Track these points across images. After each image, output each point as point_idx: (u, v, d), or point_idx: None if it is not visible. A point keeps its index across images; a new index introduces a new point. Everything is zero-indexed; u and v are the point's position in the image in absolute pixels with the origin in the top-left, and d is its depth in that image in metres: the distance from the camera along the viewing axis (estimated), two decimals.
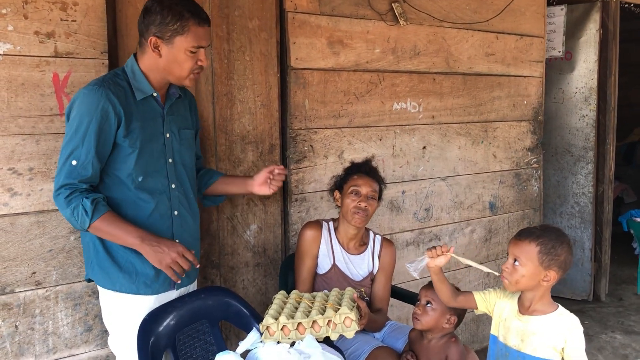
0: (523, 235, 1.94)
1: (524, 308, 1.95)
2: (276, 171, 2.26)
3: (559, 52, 4.28)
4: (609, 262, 4.76)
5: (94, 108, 1.84)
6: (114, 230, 1.87)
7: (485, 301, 2.06)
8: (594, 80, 4.46)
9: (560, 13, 4.25)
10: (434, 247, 2.05)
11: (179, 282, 2.01)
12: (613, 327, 4.14)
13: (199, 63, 1.95)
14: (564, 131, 4.63)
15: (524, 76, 3.76)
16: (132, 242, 1.88)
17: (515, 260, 1.91)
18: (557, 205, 4.73)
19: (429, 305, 2.17)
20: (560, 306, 1.95)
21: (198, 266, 2.02)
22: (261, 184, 2.27)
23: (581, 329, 1.91)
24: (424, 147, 3.31)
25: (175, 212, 2.06)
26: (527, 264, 1.88)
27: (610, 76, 4.50)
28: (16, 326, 2.12)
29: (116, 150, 1.91)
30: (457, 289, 2.17)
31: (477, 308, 2.08)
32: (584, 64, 4.49)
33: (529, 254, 1.89)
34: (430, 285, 2.22)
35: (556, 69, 4.58)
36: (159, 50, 1.93)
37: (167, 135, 2.04)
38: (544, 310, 1.92)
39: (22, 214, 2.10)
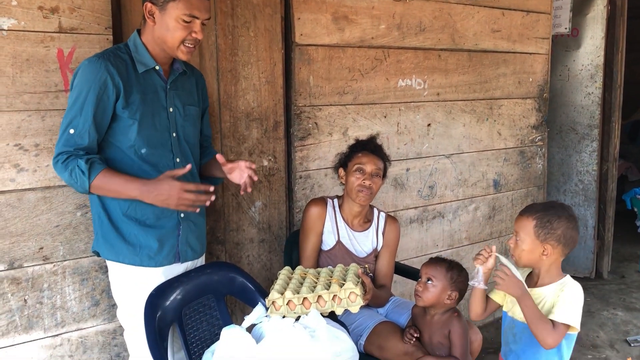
0: (524, 210, 1.99)
1: (532, 282, 1.98)
2: (243, 165, 2.06)
3: (566, 28, 4.23)
4: (612, 239, 4.78)
5: (92, 78, 1.86)
6: (113, 185, 1.87)
7: (499, 292, 2.08)
8: (601, 57, 4.42)
9: None
10: (479, 254, 1.99)
11: (198, 210, 1.98)
12: (615, 304, 4.17)
13: (193, 35, 1.93)
14: (569, 109, 4.61)
15: (530, 53, 3.73)
16: (133, 195, 1.89)
17: (517, 236, 1.95)
18: (561, 183, 4.73)
19: (429, 282, 2.19)
20: (567, 276, 1.97)
21: (212, 189, 1.93)
22: (233, 178, 2.10)
23: (576, 292, 1.92)
24: (429, 125, 3.30)
25: None
26: (525, 238, 1.93)
27: (617, 53, 4.46)
28: (25, 300, 2.15)
29: (117, 121, 1.93)
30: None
31: (501, 305, 2.09)
32: (590, 41, 4.45)
33: (526, 228, 1.93)
34: (430, 262, 2.24)
35: (562, 46, 4.54)
36: (153, 17, 1.93)
37: (171, 109, 2.04)
38: (549, 282, 1.95)
39: (28, 189, 2.12)
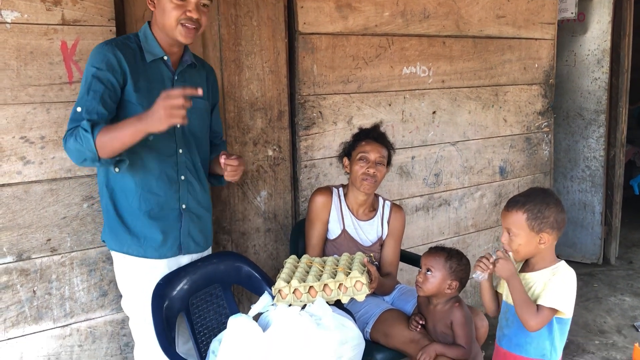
0: (510, 205, 1.95)
1: (528, 268, 1.98)
2: (222, 159, 2.06)
3: (572, 13, 4.20)
4: (620, 225, 4.76)
5: (99, 60, 1.88)
6: (117, 132, 1.78)
7: (502, 283, 2.08)
8: (607, 42, 4.38)
9: None
10: (481, 262, 1.96)
11: (187, 122, 1.78)
12: (622, 289, 4.16)
13: (188, 14, 1.91)
14: (576, 94, 4.58)
15: (535, 39, 3.70)
16: (138, 128, 1.76)
17: (509, 232, 1.93)
18: (568, 169, 4.71)
19: (429, 272, 2.19)
20: (562, 262, 1.97)
21: (200, 91, 1.78)
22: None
23: (567, 277, 1.92)
24: (434, 112, 3.29)
25: (182, 177, 2.07)
26: (519, 233, 1.91)
27: (624, 37, 4.42)
28: (34, 291, 2.17)
29: (127, 108, 1.92)
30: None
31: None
32: (597, 25, 4.40)
33: (518, 223, 1.91)
34: (430, 252, 2.24)
35: (568, 31, 4.50)
36: (154, 3, 1.95)
37: None
38: (543, 267, 1.95)
39: (35, 181, 2.13)
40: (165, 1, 1.91)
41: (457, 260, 2.21)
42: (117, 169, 1.94)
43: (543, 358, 1.94)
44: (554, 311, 1.88)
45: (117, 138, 1.79)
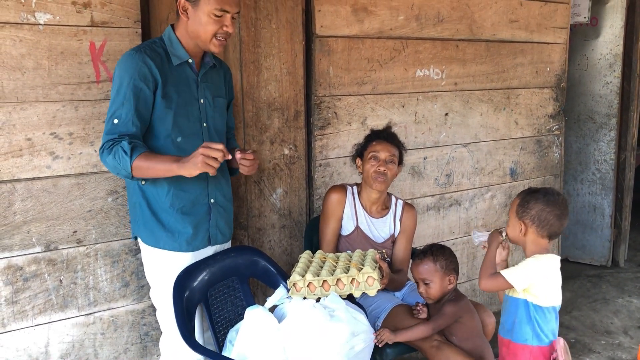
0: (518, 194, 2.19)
1: None
2: (238, 155, 2.14)
3: (585, 17, 4.24)
4: (629, 228, 4.80)
5: (131, 70, 1.96)
6: (153, 164, 1.91)
7: None
8: (620, 46, 4.42)
9: None
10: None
11: (214, 172, 1.91)
12: (630, 291, 4.20)
13: (224, 28, 2.01)
14: (587, 98, 4.62)
15: (548, 43, 3.76)
16: (172, 168, 1.91)
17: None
18: (578, 172, 4.75)
19: (426, 283, 2.27)
20: (546, 254, 2.08)
21: (229, 157, 1.92)
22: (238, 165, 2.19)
23: (537, 262, 2.05)
24: (446, 114, 3.35)
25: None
26: (511, 216, 2.13)
27: (637, 42, 4.45)
28: (60, 280, 2.27)
29: (155, 111, 2.02)
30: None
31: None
32: (609, 30, 4.45)
33: (513, 206, 2.13)
34: (416, 263, 2.30)
35: (581, 35, 4.55)
36: (187, 13, 2.02)
37: (202, 100, 2.13)
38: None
39: (63, 176, 2.23)
40: (202, 15, 1.99)
41: (443, 257, 2.27)
42: (143, 182, 2.06)
43: (525, 343, 2.08)
44: (506, 282, 2.04)
45: (152, 169, 1.94)
